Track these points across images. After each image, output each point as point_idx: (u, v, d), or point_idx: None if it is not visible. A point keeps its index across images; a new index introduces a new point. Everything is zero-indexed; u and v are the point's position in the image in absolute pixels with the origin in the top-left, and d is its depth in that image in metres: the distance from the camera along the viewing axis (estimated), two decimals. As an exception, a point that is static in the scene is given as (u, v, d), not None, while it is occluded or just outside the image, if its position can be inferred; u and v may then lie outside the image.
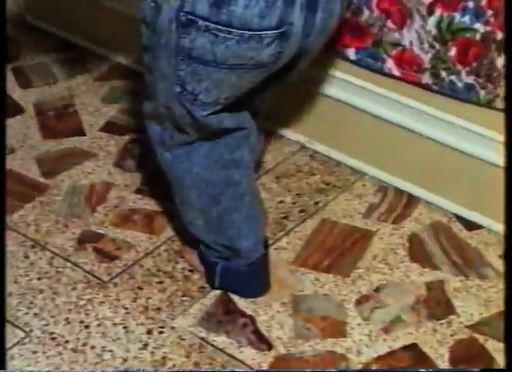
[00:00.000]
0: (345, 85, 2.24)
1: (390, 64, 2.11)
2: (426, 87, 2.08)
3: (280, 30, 1.60)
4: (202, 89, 1.74)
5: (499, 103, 1.95)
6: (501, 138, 1.99)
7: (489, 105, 1.98)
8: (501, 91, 1.94)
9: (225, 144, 1.87)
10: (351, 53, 2.17)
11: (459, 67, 1.98)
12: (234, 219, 1.95)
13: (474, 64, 1.95)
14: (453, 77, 2.01)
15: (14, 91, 2.63)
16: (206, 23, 1.63)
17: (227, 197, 1.93)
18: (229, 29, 1.62)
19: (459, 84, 2.00)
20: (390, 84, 2.14)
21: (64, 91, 2.63)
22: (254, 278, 2.02)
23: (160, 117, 1.84)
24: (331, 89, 2.27)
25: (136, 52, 2.57)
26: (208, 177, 1.91)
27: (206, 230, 1.97)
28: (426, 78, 2.07)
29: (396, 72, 2.11)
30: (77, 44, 2.80)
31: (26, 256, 2.08)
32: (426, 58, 2.04)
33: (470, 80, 1.98)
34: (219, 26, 1.62)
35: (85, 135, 2.47)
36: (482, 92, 1.97)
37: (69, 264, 2.07)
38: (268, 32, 1.61)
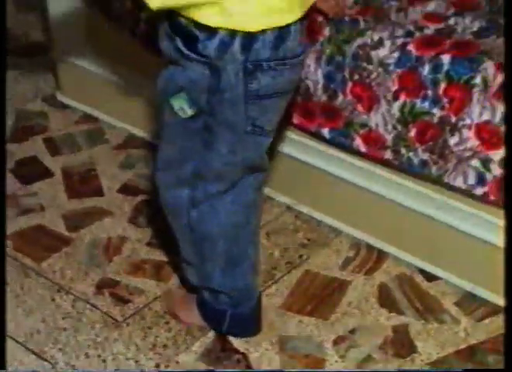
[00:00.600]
0: (324, 156, 2.27)
1: (358, 142, 2.13)
2: (387, 162, 2.12)
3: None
4: (267, 119, 1.78)
5: (448, 178, 2.00)
6: (457, 203, 2.09)
7: (439, 178, 2.03)
8: (451, 166, 1.98)
9: (249, 185, 1.89)
10: (325, 132, 2.19)
11: (417, 145, 2.01)
12: (250, 255, 1.97)
13: (430, 143, 1.99)
14: (411, 154, 2.04)
15: (44, 158, 2.66)
16: (269, 63, 1.68)
17: (245, 235, 1.96)
18: (284, 61, 1.69)
19: (415, 160, 2.04)
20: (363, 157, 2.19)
21: (87, 158, 2.66)
22: (254, 320, 2.05)
23: (197, 176, 1.83)
24: (313, 159, 2.30)
25: (150, 124, 2.66)
26: (234, 222, 1.91)
27: (224, 276, 1.96)
28: (388, 154, 2.09)
29: (362, 149, 2.13)
30: (98, 118, 2.82)
31: (53, 299, 2.13)
32: (389, 137, 2.07)
33: (425, 156, 2.02)
34: (278, 61, 1.69)
35: (104, 195, 2.50)
36: (434, 167, 2.01)
37: (89, 306, 2.11)
38: (301, 56, 1.73)
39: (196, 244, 1.95)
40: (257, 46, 1.66)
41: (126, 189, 2.54)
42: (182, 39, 1.69)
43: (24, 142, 2.74)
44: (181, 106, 1.76)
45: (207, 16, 1.64)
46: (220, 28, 1.64)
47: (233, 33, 1.64)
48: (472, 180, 1.98)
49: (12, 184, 2.55)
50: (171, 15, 1.69)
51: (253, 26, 1.64)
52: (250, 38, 1.65)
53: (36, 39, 3.24)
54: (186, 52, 1.69)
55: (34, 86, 3.02)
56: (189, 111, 1.76)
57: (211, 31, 1.64)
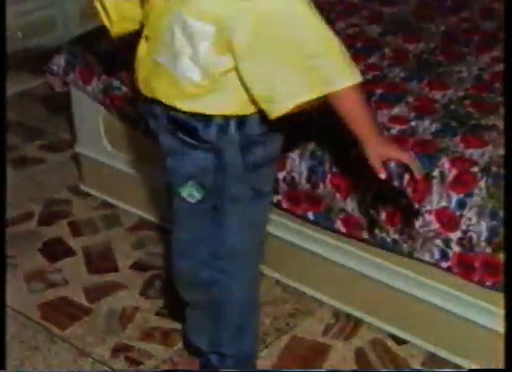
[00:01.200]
0: (309, 236, 2.30)
1: (339, 224, 2.17)
2: (364, 241, 2.16)
3: None
4: (264, 182, 1.83)
5: (417, 254, 2.04)
6: (421, 278, 2.14)
7: (410, 255, 2.07)
8: (418, 244, 2.04)
9: (257, 262, 1.99)
10: (309, 215, 2.22)
11: (388, 227, 2.05)
12: (254, 323, 2.02)
13: (399, 225, 2.04)
14: (384, 234, 2.08)
15: (68, 238, 2.70)
16: (259, 137, 1.73)
17: (254, 306, 2.01)
18: (272, 133, 1.74)
19: (388, 240, 2.08)
20: (342, 238, 2.22)
21: (104, 239, 2.69)
22: None
23: (214, 255, 1.86)
24: (299, 239, 2.33)
25: (158, 210, 2.72)
26: (249, 296, 1.97)
27: (233, 342, 1.99)
28: (364, 234, 2.13)
29: (343, 230, 2.17)
30: (114, 204, 2.86)
31: (75, 361, 2.19)
32: (364, 220, 2.11)
33: (396, 236, 2.06)
34: (267, 134, 1.74)
35: (119, 271, 2.55)
36: (405, 245, 2.05)
37: (106, 368, 2.17)
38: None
39: (213, 316, 1.97)
40: (249, 125, 1.71)
41: (137, 266, 2.57)
42: (183, 131, 1.73)
43: (51, 225, 2.78)
44: (190, 193, 1.78)
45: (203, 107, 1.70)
46: (216, 115, 1.70)
47: (227, 118, 1.70)
48: (437, 255, 2.02)
49: (40, 261, 2.60)
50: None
51: (245, 112, 1.70)
52: (243, 119, 1.71)
53: (63, 136, 3.30)
54: (190, 141, 1.73)
55: (61, 177, 3.06)
56: (198, 196, 1.78)
57: (207, 119, 1.70)
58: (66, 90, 2.81)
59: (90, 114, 2.79)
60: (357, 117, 1.66)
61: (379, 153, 1.67)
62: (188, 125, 1.72)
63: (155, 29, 1.72)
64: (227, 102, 1.69)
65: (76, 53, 2.72)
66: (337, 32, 2.48)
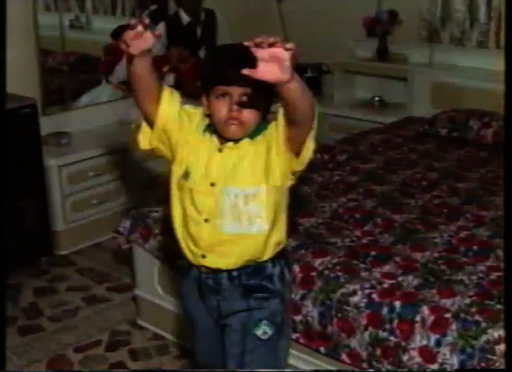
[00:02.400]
0: (320, 367, 2.30)
1: (344, 357, 2.19)
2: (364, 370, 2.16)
3: None
4: None
5: None
6: None
7: None
8: None
9: None
10: (321, 349, 2.24)
11: (382, 359, 2.09)
12: None
13: (390, 359, 2.07)
14: (379, 366, 2.10)
15: (128, 362, 2.71)
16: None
17: None
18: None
19: (383, 370, 2.10)
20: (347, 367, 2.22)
21: (157, 364, 2.69)
22: None
23: None
24: (312, 368, 2.33)
25: None
26: None
27: None
28: (365, 365, 2.14)
29: (347, 362, 2.18)
30: (164, 336, 2.84)
31: None
32: (364, 354, 2.12)
33: (389, 367, 2.07)
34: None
35: None
36: None
37: None
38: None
39: None
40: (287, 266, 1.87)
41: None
42: (256, 291, 1.82)
43: (115, 351, 2.80)
44: (264, 331, 1.82)
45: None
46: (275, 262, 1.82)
47: (279, 261, 1.83)
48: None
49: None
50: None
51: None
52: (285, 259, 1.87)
53: (125, 281, 3.29)
54: (266, 295, 1.81)
55: (123, 313, 3.06)
56: (271, 331, 1.82)
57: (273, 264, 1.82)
58: (130, 246, 2.90)
59: (147, 264, 2.86)
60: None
61: None
62: (260, 284, 1.81)
63: (214, 211, 1.79)
64: (281, 232, 1.84)
65: (138, 218, 2.82)
66: (340, 205, 2.73)
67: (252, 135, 1.79)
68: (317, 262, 2.34)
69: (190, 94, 3.85)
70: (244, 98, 1.73)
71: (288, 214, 1.89)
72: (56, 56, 3.93)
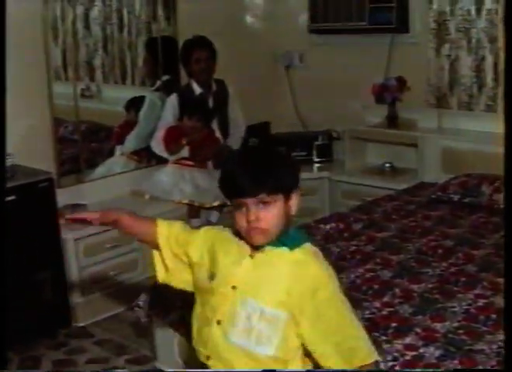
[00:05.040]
0: None
1: None
2: None
3: None
4: None
5: None
6: None
7: None
8: None
9: None
10: None
11: None
12: None
13: None
14: None
15: None
16: None
17: None
18: None
19: None
20: None
21: None
22: None
23: None
24: None
25: None
26: None
27: None
28: None
29: None
30: None
31: None
32: None
33: None
34: None
35: None
36: None
37: None
38: None
39: None
40: None
41: None
42: None
43: None
44: None
45: None
46: None
47: None
48: None
49: None
50: None
51: None
52: None
53: (145, 353, 3.35)
54: None
55: None
56: None
57: None
58: (149, 319, 2.98)
59: (167, 337, 2.94)
60: None
61: None
62: None
63: (228, 315, 1.79)
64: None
65: (158, 293, 2.89)
66: (357, 276, 2.81)
67: (289, 244, 1.80)
68: (339, 335, 2.41)
69: (202, 164, 4.11)
70: (261, 207, 1.74)
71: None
72: (67, 125, 4.11)
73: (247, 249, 1.83)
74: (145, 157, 4.37)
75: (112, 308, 3.75)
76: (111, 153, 4.36)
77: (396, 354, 2.31)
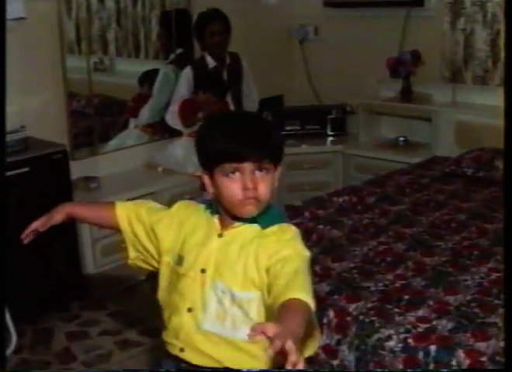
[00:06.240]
0: None
1: None
2: None
3: None
4: None
5: None
6: None
7: None
8: None
9: None
10: None
11: None
12: None
13: None
14: None
15: None
16: None
17: None
18: None
19: None
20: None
21: None
22: None
23: None
24: None
25: None
26: None
27: None
28: None
29: None
30: None
31: None
32: None
33: None
34: None
35: None
36: None
37: None
38: None
39: None
40: None
41: None
42: None
43: None
44: None
45: None
46: None
47: None
48: None
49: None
50: None
51: None
52: None
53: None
54: None
55: (155, 357, 2.93)
56: None
57: None
58: None
59: None
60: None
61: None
62: None
63: (199, 301, 1.65)
64: None
65: None
66: (370, 249, 2.81)
67: (263, 222, 1.65)
68: (352, 307, 2.42)
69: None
70: (258, 174, 1.60)
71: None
72: (80, 99, 4.10)
73: (216, 227, 1.69)
74: (159, 130, 4.35)
75: (125, 280, 3.75)
76: (124, 127, 4.35)
77: (408, 326, 2.31)
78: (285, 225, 1.67)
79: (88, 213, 1.87)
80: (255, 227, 1.66)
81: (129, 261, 1.84)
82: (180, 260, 1.70)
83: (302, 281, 1.51)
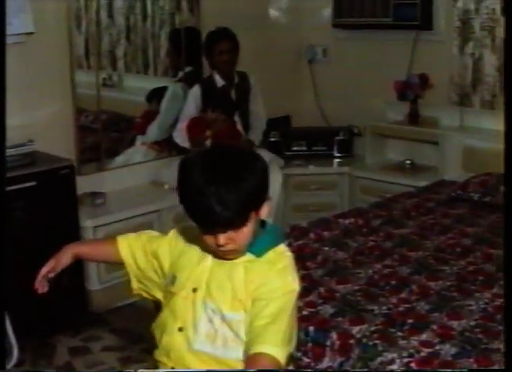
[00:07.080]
0: None
1: None
2: None
3: None
4: None
5: None
6: None
7: None
8: None
9: None
10: None
11: None
12: None
13: None
14: None
15: None
16: None
17: None
18: None
19: None
20: None
21: None
22: None
23: None
24: None
25: None
26: None
27: None
28: None
29: None
30: None
31: None
32: None
33: None
34: None
35: None
36: None
37: None
38: None
39: None
40: None
41: None
42: None
43: None
44: None
45: None
46: None
47: None
48: None
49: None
50: None
51: None
52: None
53: None
54: None
55: None
56: None
57: None
58: None
59: None
60: None
61: None
62: None
63: (190, 321, 1.67)
64: None
65: None
66: (375, 272, 2.82)
67: (257, 251, 1.66)
68: (355, 329, 2.42)
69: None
70: (231, 232, 1.59)
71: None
72: (88, 114, 4.13)
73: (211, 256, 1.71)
74: (166, 147, 4.38)
75: (128, 296, 3.73)
76: (131, 143, 4.38)
77: (411, 350, 2.31)
78: (280, 250, 1.70)
79: (93, 252, 1.95)
80: (249, 255, 1.68)
81: (134, 292, 1.89)
82: (173, 279, 1.73)
83: (277, 330, 1.56)
